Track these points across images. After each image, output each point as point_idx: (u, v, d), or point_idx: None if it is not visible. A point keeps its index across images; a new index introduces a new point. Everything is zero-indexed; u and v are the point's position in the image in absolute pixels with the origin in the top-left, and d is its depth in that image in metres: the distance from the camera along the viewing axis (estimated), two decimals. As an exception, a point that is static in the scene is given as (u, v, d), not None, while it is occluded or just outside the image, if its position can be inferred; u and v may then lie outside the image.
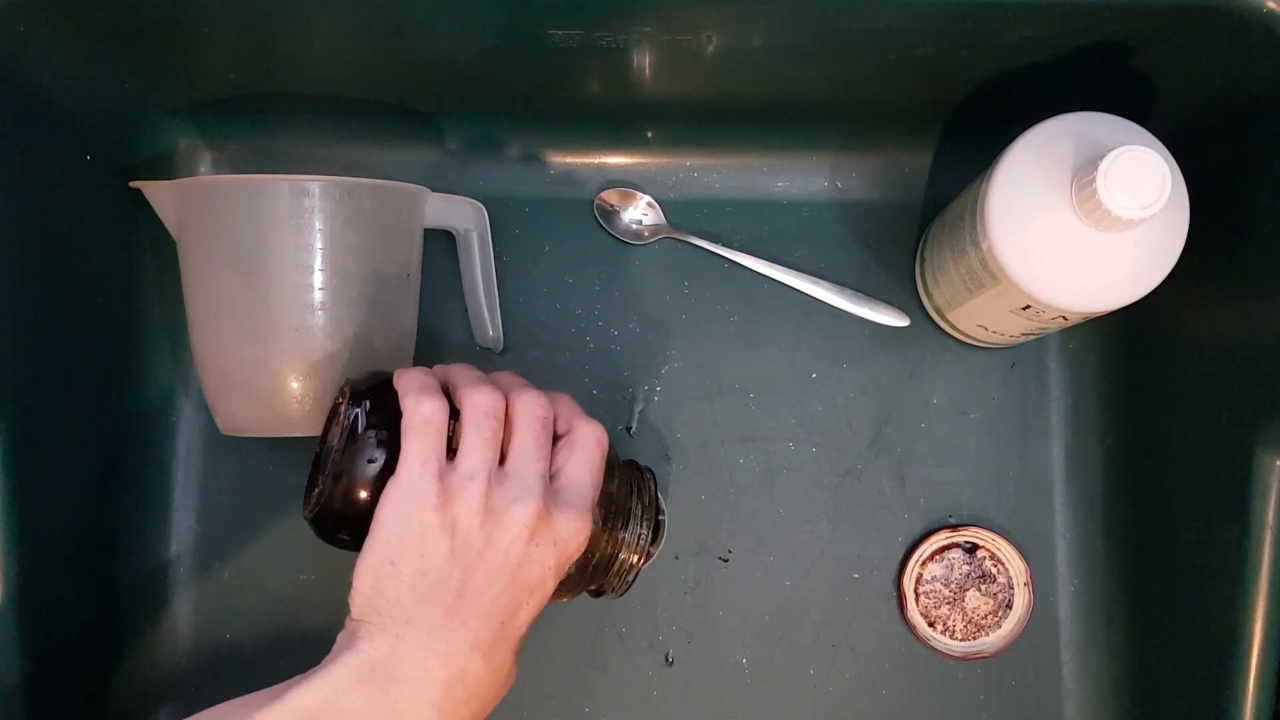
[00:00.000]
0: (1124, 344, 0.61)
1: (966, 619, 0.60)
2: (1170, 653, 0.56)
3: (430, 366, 0.48)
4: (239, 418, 0.53)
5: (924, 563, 0.60)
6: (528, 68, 0.55)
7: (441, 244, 0.60)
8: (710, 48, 0.52)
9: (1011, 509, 0.61)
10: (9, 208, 0.49)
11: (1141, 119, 0.48)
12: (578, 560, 0.47)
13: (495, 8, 0.49)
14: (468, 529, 0.42)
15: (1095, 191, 0.44)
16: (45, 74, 0.51)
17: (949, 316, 0.59)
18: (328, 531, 0.45)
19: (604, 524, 0.48)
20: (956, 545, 0.60)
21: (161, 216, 0.54)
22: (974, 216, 0.50)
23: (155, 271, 0.59)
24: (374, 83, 0.58)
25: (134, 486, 0.59)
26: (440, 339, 0.61)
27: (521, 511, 0.43)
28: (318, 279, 0.51)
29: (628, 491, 0.50)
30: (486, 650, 0.42)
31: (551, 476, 0.45)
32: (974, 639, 0.60)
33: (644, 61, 0.54)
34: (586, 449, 0.46)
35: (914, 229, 0.62)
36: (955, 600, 0.60)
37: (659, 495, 0.59)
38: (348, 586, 0.43)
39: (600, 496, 0.47)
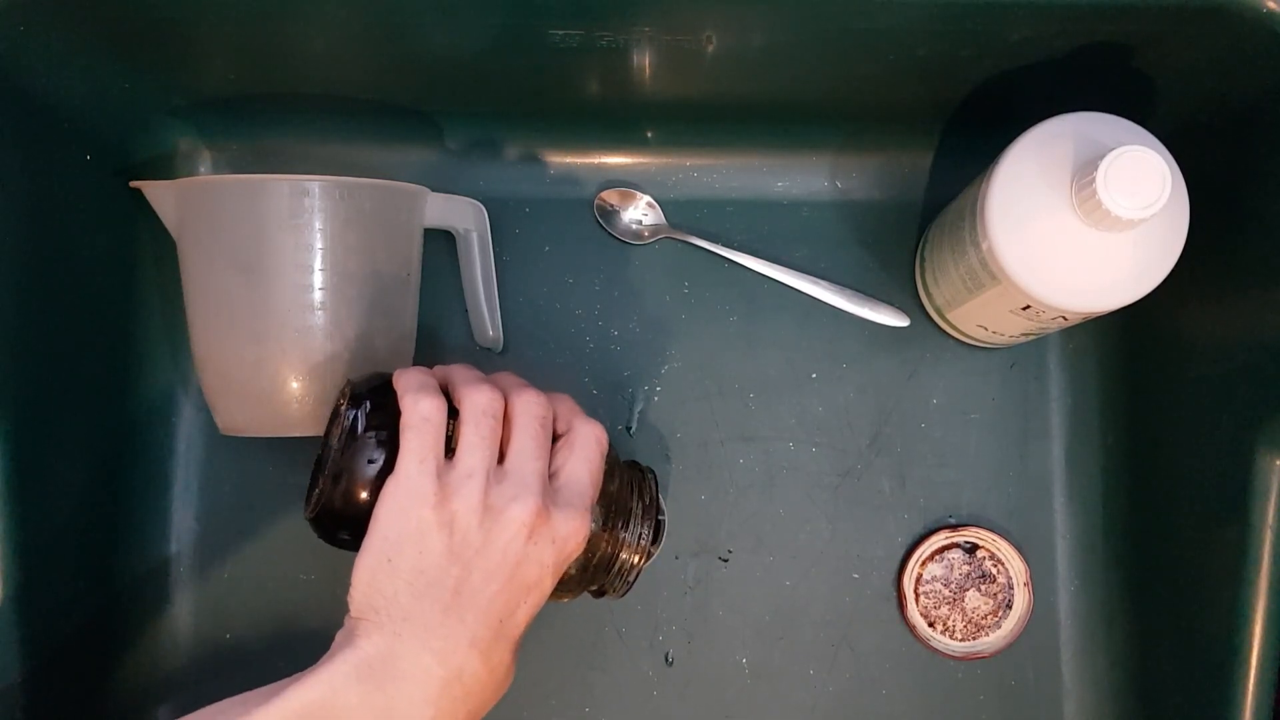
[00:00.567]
0: (1124, 344, 0.61)
1: (966, 619, 0.60)
2: (1170, 653, 0.56)
3: (430, 366, 0.48)
4: (239, 418, 0.53)
5: (924, 563, 0.60)
6: (528, 68, 0.55)
7: (441, 244, 0.60)
8: (710, 48, 0.52)
9: (1011, 509, 0.61)
10: (9, 208, 0.49)
11: (1141, 119, 0.48)
12: (578, 560, 0.47)
13: (495, 8, 0.49)
14: (466, 527, 0.42)
15: (1095, 191, 0.44)
16: (45, 74, 0.51)
17: (949, 316, 0.59)
18: (328, 532, 0.45)
19: (604, 524, 0.48)
20: (956, 545, 0.60)
21: (161, 216, 0.54)
22: (974, 216, 0.50)
23: (155, 271, 0.59)
24: (374, 83, 0.58)
25: (134, 486, 0.59)
26: (440, 339, 0.61)
27: (520, 510, 0.43)
28: (318, 279, 0.51)
29: (628, 491, 0.50)
30: (484, 648, 0.42)
31: (551, 476, 0.45)
32: (974, 639, 0.60)
33: (644, 61, 0.54)
34: (586, 448, 0.46)
35: (914, 229, 0.62)
36: (955, 600, 0.60)
37: (659, 495, 0.59)
38: (347, 586, 0.43)
39: (600, 496, 0.47)
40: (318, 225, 0.51)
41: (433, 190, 0.57)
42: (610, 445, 0.49)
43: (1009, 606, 0.60)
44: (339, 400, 0.47)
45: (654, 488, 0.51)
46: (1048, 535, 0.61)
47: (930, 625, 0.60)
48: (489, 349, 0.61)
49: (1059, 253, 0.47)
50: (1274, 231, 0.49)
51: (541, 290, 0.62)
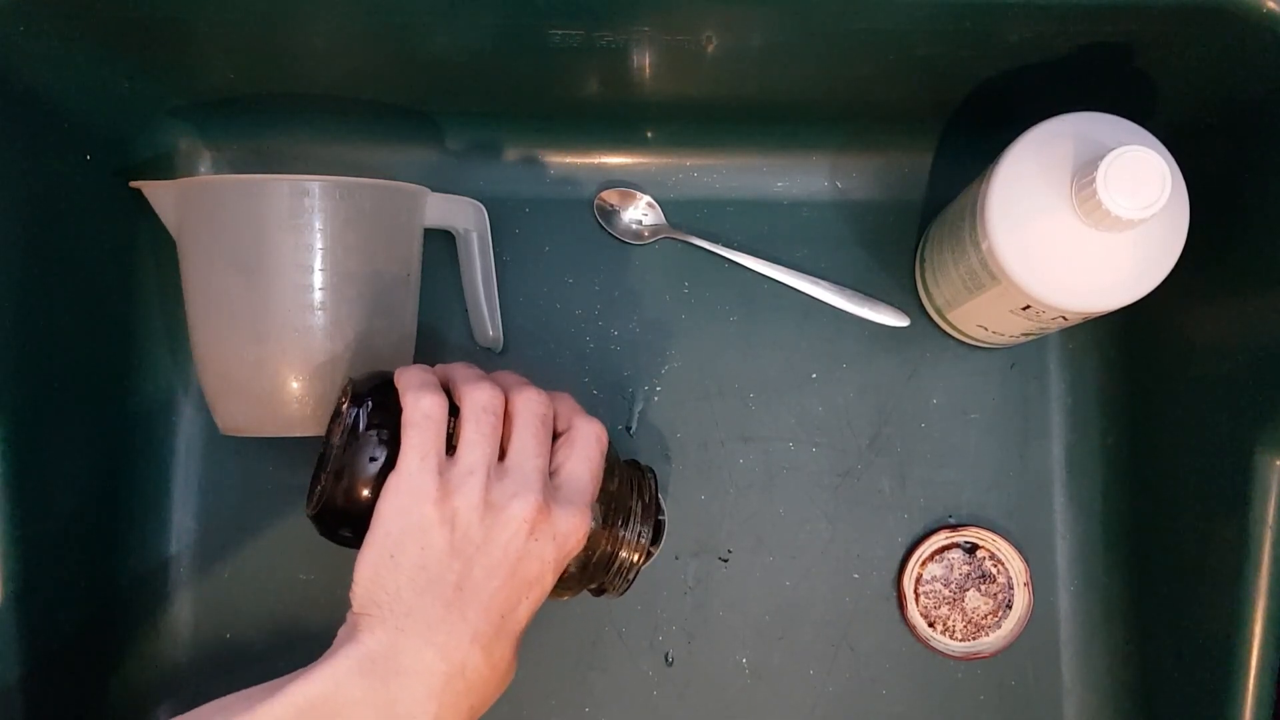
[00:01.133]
0: (1124, 344, 0.61)
1: (966, 619, 0.60)
2: (1170, 652, 0.56)
3: (431, 366, 0.48)
4: (239, 418, 0.53)
5: (924, 563, 0.60)
6: (528, 68, 0.55)
7: (441, 244, 0.60)
8: (710, 48, 0.52)
9: (1011, 509, 0.61)
10: (9, 208, 0.49)
11: (1141, 119, 0.48)
12: (578, 558, 0.47)
13: (495, 8, 0.49)
14: (467, 523, 0.42)
15: (1095, 191, 0.44)
16: (45, 74, 0.51)
17: (949, 316, 0.59)
18: (330, 529, 0.45)
19: (604, 522, 0.48)
20: (956, 545, 0.60)
21: (161, 216, 0.54)
22: (974, 216, 0.50)
23: (155, 271, 0.59)
24: (374, 83, 0.58)
25: (134, 486, 0.59)
26: (440, 339, 0.61)
27: (521, 506, 0.43)
28: (318, 279, 0.51)
29: (628, 490, 0.50)
30: (486, 643, 0.42)
31: (551, 473, 0.45)
32: (974, 639, 0.60)
33: (644, 61, 0.54)
34: (586, 446, 0.46)
35: (914, 229, 0.62)
36: (955, 600, 0.60)
37: (659, 495, 0.59)
38: (348, 584, 0.43)
39: (600, 494, 0.47)
40: (318, 225, 0.51)
41: (433, 190, 0.57)
42: (610, 444, 0.49)
43: (1009, 606, 0.60)
44: (340, 399, 0.47)
45: (654, 486, 0.51)
46: (1048, 535, 0.61)
47: (930, 625, 0.60)
48: (489, 349, 0.61)
49: (1059, 253, 0.47)
50: (1274, 231, 0.49)
51: (541, 290, 0.62)
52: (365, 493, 0.44)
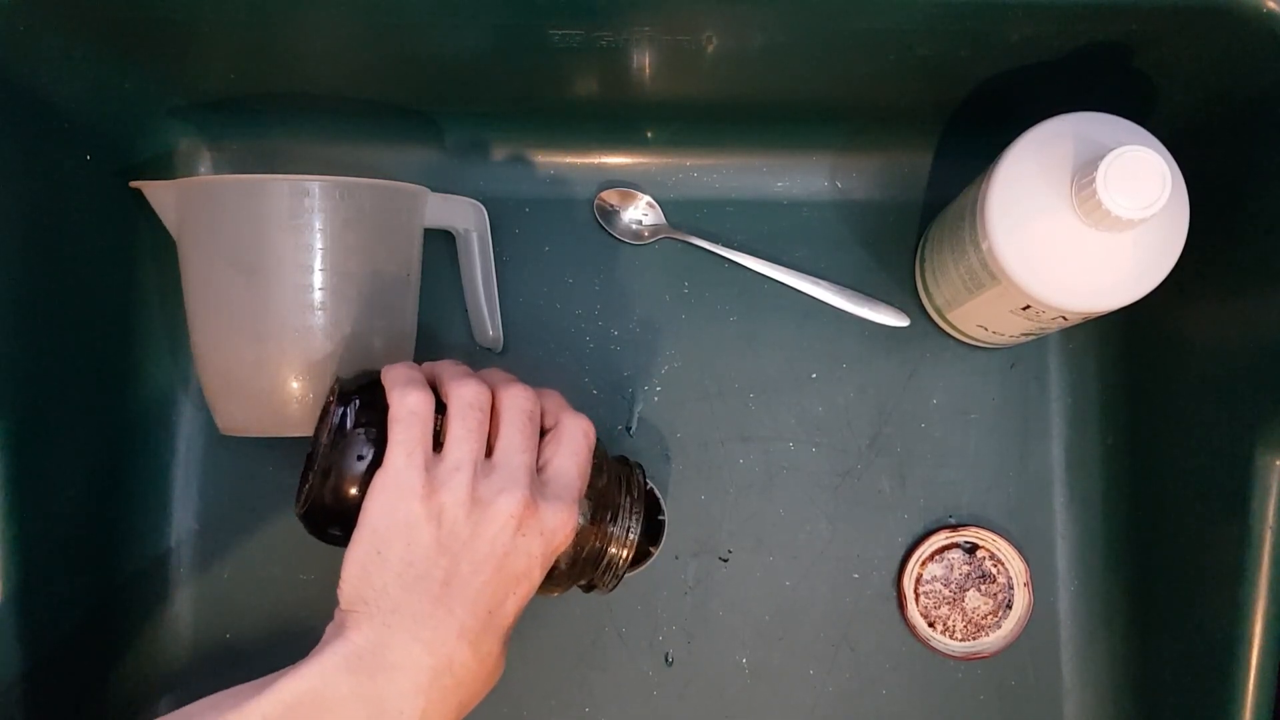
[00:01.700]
0: (1124, 344, 0.61)
1: (966, 619, 0.60)
2: (1170, 653, 0.56)
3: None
4: (239, 417, 0.53)
5: (924, 563, 0.60)
6: (528, 68, 0.55)
7: (441, 244, 0.60)
8: (710, 48, 0.52)
9: (1011, 509, 0.61)
10: (9, 208, 0.49)
11: (1141, 119, 0.48)
12: (567, 553, 0.47)
13: (495, 8, 0.49)
14: (454, 519, 0.42)
15: (1095, 191, 0.44)
16: (45, 74, 0.51)
17: (949, 316, 0.59)
18: (318, 527, 0.45)
19: (592, 518, 0.48)
20: (956, 545, 0.60)
21: (161, 216, 0.54)
22: (974, 216, 0.50)
23: (155, 271, 0.59)
24: (374, 83, 0.58)
25: (134, 486, 0.59)
26: (440, 339, 0.61)
27: (508, 501, 0.43)
28: (318, 279, 0.51)
29: (616, 486, 0.50)
30: (473, 638, 0.43)
31: (539, 469, 0.45)
32: (974, 639, 0.60)
33: (644, 61, 0.54)
34: (573, 441, 0.46)
35: (914, 229, 0.62)
36: (955, 600, 0.60)
37: (659, 495, 0.59)
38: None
39: (589, 490, 0.47)
40: (318, 225, 0.51)
41: (433, 190, 0.57)
42: (599, 441, 0.49)
43: (1009, 606, 0.60)
44: (328, 398, 0.47)
45: (642, 482, 0.51)
46: (1048, 535, 0.61)
47: (930, 625, 0.60)
48: (489, 349, 0.61)
49: (1059, 253, 0.47)
50: (1274, 231, 0.49)
51: (541, 290, 0.62)
52: (353, 491, 0.44)
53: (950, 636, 0.60)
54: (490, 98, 0.59)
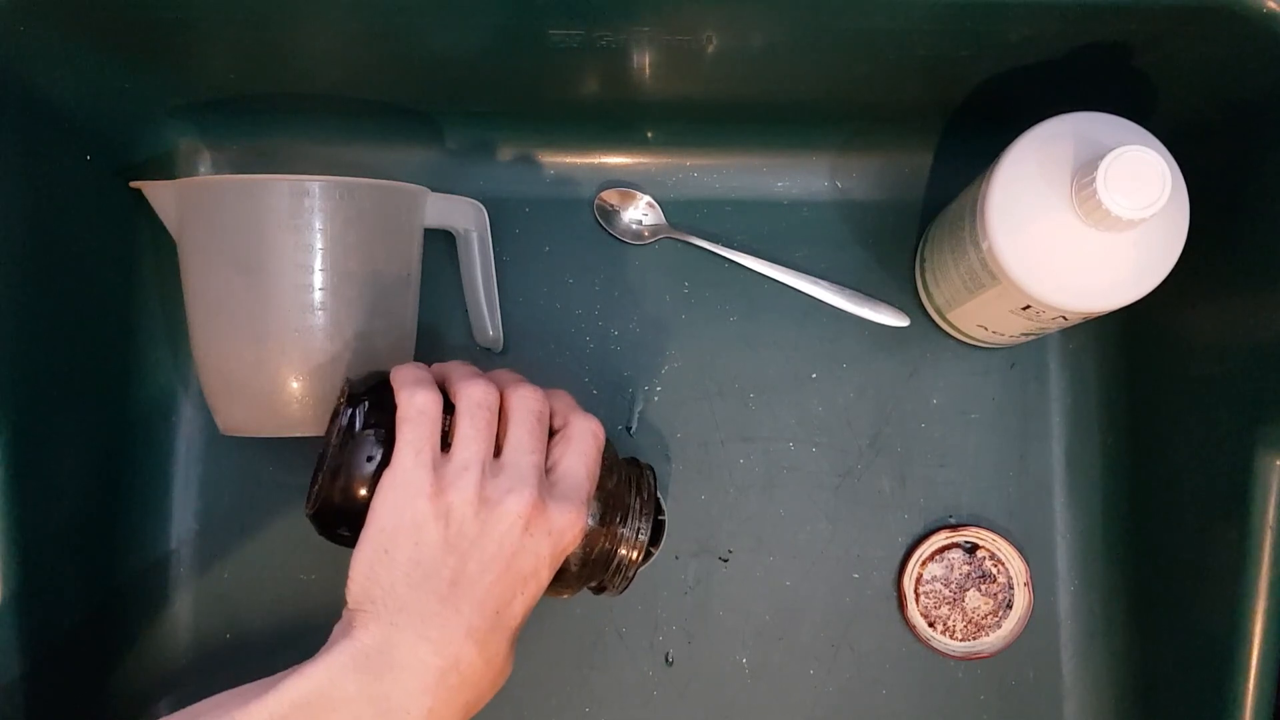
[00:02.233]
0: (1124, 344, 0.61)
1: (966, 619, 0.60)
2: (1170, 653, 0.56)
3: (429, 364, 0.48)
4: (239, 418, 0.53)
5: (924, 563, 0.60)
6: (528, 68, 0.55)
7: (441, 244, 0.60)
8: (710, 48, 0.52)
9: (1011, 509, 0.61)
10: (9, 208, 0.49)
11: (1141, 119, 0.48)
12: (577, 555, 0.47)
13: (495, 8, 0.49)
14: (462, 518, 0.42)
15: (1095, 191, 0.44)
16: (45, 74, 0.51)
17: (949, 316, 0.59)
18: (328, 528, 0.45)
19: (602, 519, 0.48)
20: (956, 545, 0.60)
21: (162, 216, 0.54)
22: (974, 216, 0.50)
23: (155, 271, 0.59)
24: (374, 83, 0.58)
25: (134, 486, 0.59)
26: (440, 339, 0.61)
27: (516, 501, 0.43)
28: (318, 279, 0.51)
29: (626, 487, 0.50)
30: (481, 638, 0.42)
31: (548, 470, 0.45)
32: (974, 639, 0.60)
33: (644, 61, 0.54)
34: (582, 442, 0.46)
35: (914, 229, 0.62)
36: (955, 600, 0.60)
37: (659, 495, 0.59)
38: (346, 580, 0.43)
39: (598, 492, 0.47)
40: (318, 225, 0.51)
41: (433, 190, 0.57)
42: (609, 442, 0.49)
43: (1009, 606, 0.60)
44: (338, 399, 0.47)
45: (652, 484, 0.51)
46: (1048, 535, 0.61)
47: (930, 625, 0.60)
48: (489, 349, 0.61)
49: (1059, 253, 0.47)
50: (1274, 231, 0.49)
51: (541, 290, 0.62)
52: (362, 491, 0.44)
53: (950, 636, 0.60)
54: (490, 98, 0.59)
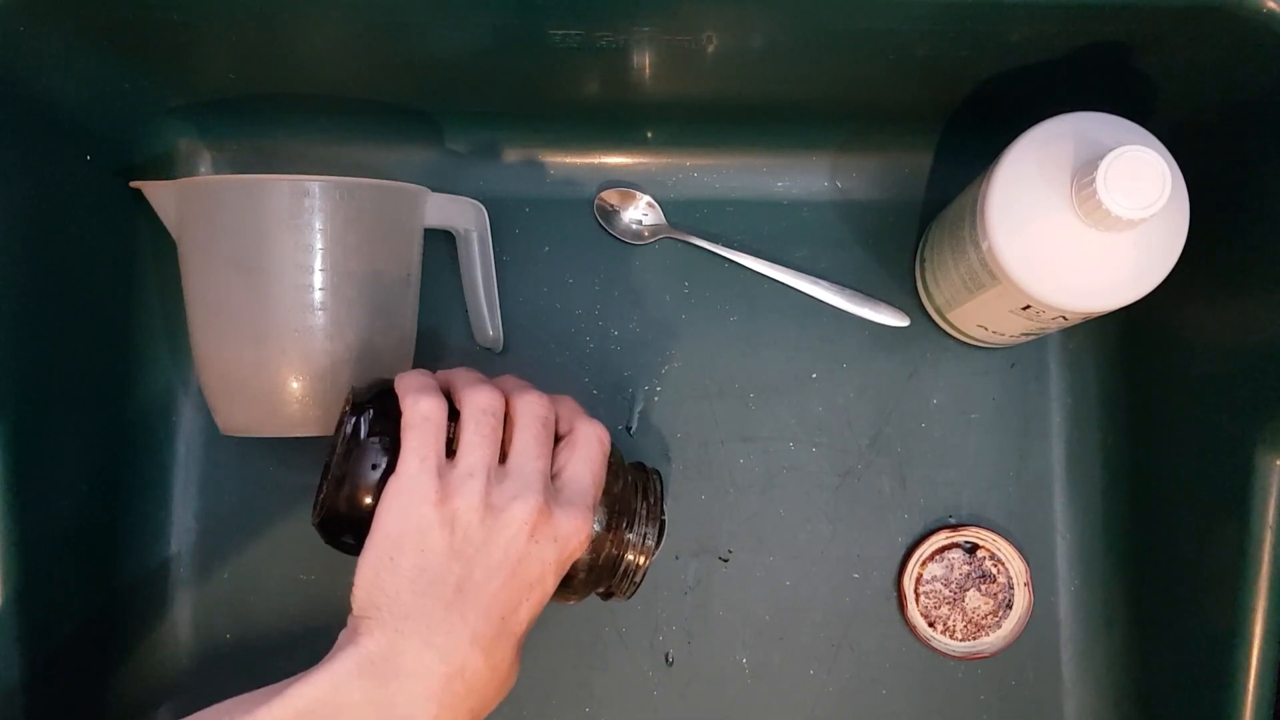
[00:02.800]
0: (1124, 344, 0.61)
1: (966, 619, 0.60)
2: (1170, 652, 0.56)
3: (431, 367, 0.48)
4: (239, 418, 0.53)
5: (924, 563, 0.60)
6: (528, 68, 0.55)
7: (441, 244, 0.60)
8: (710, 48, 0.52)
9: (1011, 509, 0.61)
10: (9, 208, 0.49)
11: (1141, 119, 0.48)
12: (584, 561, 0.47)
13: (495, 8, 0.49)
14: (467, 524, 0.42)
15: (1095, 191, 0.44)
16: (45, 74, 0.51)
17: (949, 316, 0.59)
18: (333, 536, 0.45)
19: (608, 525, 0.48)
20: (956, 545, 0.60)
21: (162, 216, 0.54)
22: (974, 216, 0.50)
23: (155, 271, 0.59)
24: (374, 82, 0.58)
25: (134, 486, 0.59)
26: (440, 339, 0.61)
27: (522, 508, 0.43)
28: (318, 279, 0.51)
29: (633, 492, 0.50)
30: (486, 645, 0.42)
31: (553, 476, 0.45)
32: (974, 639, 0.60)
33: (644, 61, 0.54)
34: (588, 447, 0.46)
35: (914, 229, 0.62)
36: (955, 600, 0.60)
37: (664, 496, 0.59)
38: (348, 585, 0.43)
39: (605, 497, 0.47)
40: (318, 226, 0.51)
41: (433, 190, 0.57)
42: (615, 446, 0.49)
43: (1009, 606, 0.60)
44: (344, 408, 0.47)
45: (659, 489, 0.51)
46: (1048, 535, 0.61)
47: (930, 625, 0.60)
48: (489, 349, 0.61)
49: (1059, 253, 0.47)
50: (1274, 231, 0.49)
51: (541, 290, 0.62)
52: (367, 499, 0.44)
53: (950, 636, 0.60)
54: (490, 98, 0.59)
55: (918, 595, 0.60)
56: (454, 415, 0.45)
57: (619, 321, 0.61)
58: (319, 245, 0.51)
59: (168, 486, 0.60)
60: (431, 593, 0.42)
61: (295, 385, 0.52)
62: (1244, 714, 0.49)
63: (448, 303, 0.61)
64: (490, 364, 0.61)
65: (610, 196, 0.62)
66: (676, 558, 0.60)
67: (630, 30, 0.51)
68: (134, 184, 0.54)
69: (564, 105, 0.59)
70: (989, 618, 0.60)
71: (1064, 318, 0.51)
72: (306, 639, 0.58)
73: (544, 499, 0.43)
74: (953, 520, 0.61)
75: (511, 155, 0.62)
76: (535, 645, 0.59)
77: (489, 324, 0.60)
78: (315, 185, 0.51)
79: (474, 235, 0.58)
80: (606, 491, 0.47)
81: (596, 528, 0.47)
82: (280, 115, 0.60)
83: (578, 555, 0.45)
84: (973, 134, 0.58)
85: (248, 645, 0.60)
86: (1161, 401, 0.58)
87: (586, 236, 0.62)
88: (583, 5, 0.49)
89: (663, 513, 0.59)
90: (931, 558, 0.60)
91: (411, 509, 0.42)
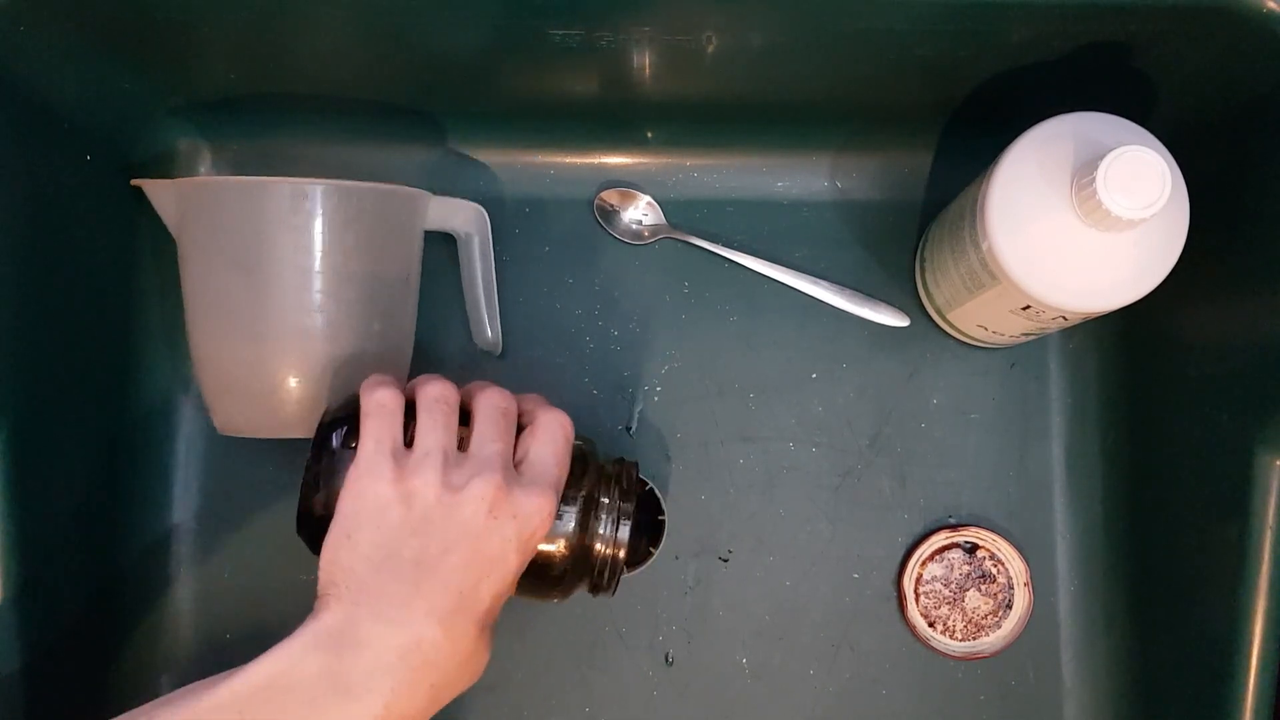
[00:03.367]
0: (1124, 344, 0.61)
1: (966, 619, 0.60)
2: (1170, 653, 0.56)
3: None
4: (236, 417, 0.53)
5: (924, 563, 0.60)
6: (528, 68, 0.55)
7: (442, 246, 0.60)
8: (710, 48, 0.52)
9: (1011, 509, 0.61)
10: (9, 208, 0.49)
11: (1141, 119, 0.48)
12: (559, 555, 0.47)
13: (495, 8, 0.49)
14: (425, 502, 0.43)
15: (1095, 192, 0.44)
16: (45, 74, 0.51)
17: (949, 316, 0.59)
18: (314, 542, 0.46)
19: (578, 518, 0.48)
20: (956, 545, 0.60)
21: (162, 215, 0.54)
22: (974, 216, 0.50)
23: (155, 271, 0.59)
24: (374, 83, 0.58)
25: (134, 486, 0.59)
26: (439, 341, 0.61)
27: (480, 484, 0.43)
28: (317, 281, 0.51)
29: (604, 485, 0.49)
30: (443, 618, 0.42)
31: (517, 464, 0.46)
32: (974, 639, 0.60)
33: (644, 61, 0.54)
34: (548, 431, 0.47)
35: (914, 229, 0.62)
36: (955, 600, 0.60)
37: (660, 497, 0.59)
38: None
39: (574, 491, 0.48)
40: (318, 227, 0.51)
41: (432, 190, 0.57)
42: (591, 441, 0.50)
43: (1009, 606, 0.60)
44: (320, 421, 0.48)
45: (633, 478, 0.51)
46: (1048, 535, 0.61)
47: (930, 625, 0.60)
48: (488, 352, 0.61)
49: (1059, 253, 0.47)
50: (1274, 231, 0.49)
51: (541, 290, 0.62)
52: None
53: (950, 636, 0.60)
54: (490, 98, 0.59)
55: (918, 595, 0.60)
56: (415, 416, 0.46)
57: (619, 321, 0.61)
58: (318, 247, 0.51)
59: (168, 486, 0.60)
60: (387, 567, 0.42)
61: (292, 386, 0.52)
62: (1244, 714, 0.49)
63: (447, 305, 0.61)
64: (489, 366, 0.61)
65: (610, 196, 0.62)
66: (676, 558, 0.60)
67: (630, 30, 0.51)
68: (135, 182, 0.54)
69: (564, 105, 0.59)
70: (989, 618, 0.60)
71: (1064, 318, 0.51)
72: (306, 639, 0.58)
73: (503, 477, 0.44)
74: (953, 520, 0.61)
75: (511, 155, 0.62)
76: (536, 645, 0.59)
77: (488, 327, 0.60)
78: (316, 187, 0.51)
79: (474, 238, 0.58)
80: (576, 484, 0.48)
81: (571, 525, 0.47)
82: (280, 115, 0.60)
83: (540, 535, 0.45)
84: (973, 134, 0.57)
85: (247, 644, 0.59)
86: (1161, 401, 0.58)
87: (586, 236, 0.62)
88: (583, 5, 0.49)
89: (662, 512, 0.59)
90: (931, 558, 0.60)
91: (368, 487, 0.43)
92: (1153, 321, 0.58)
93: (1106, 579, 0.60)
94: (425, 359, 0.59)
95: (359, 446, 0.44)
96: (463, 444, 0.45)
